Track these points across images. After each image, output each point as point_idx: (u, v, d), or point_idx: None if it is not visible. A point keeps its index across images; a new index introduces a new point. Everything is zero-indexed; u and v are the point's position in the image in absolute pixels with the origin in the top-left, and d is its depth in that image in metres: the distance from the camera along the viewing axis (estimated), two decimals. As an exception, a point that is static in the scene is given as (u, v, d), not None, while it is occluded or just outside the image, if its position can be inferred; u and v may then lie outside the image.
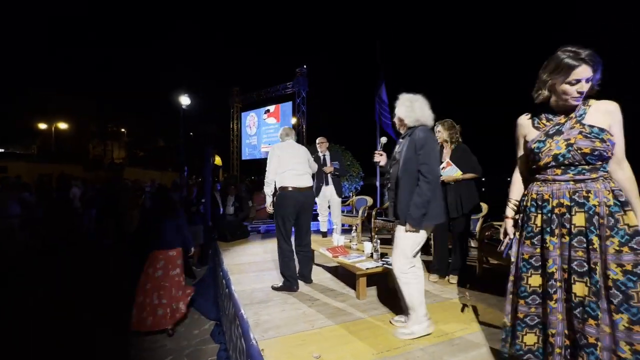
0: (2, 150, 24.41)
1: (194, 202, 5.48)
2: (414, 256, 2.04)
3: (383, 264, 2.68)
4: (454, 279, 3.00)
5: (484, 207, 3.39)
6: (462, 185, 2.90)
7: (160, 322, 2.99)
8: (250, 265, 3.71)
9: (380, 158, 2.25)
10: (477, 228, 3.36)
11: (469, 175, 2.91)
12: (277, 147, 3.02)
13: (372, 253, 2.97)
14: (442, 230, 2.99)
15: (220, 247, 4.64)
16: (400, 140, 2.17)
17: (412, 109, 2.04)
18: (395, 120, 2.19)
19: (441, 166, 2.81)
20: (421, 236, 1.98)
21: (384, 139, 2.36)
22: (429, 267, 3.17)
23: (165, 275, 3.09)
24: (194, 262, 5.45)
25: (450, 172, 2.89)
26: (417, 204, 1.90)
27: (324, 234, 4.83)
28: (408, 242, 1.98)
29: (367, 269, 2.63)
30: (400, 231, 2.00)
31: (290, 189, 2.89)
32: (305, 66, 13.30)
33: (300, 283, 2.95)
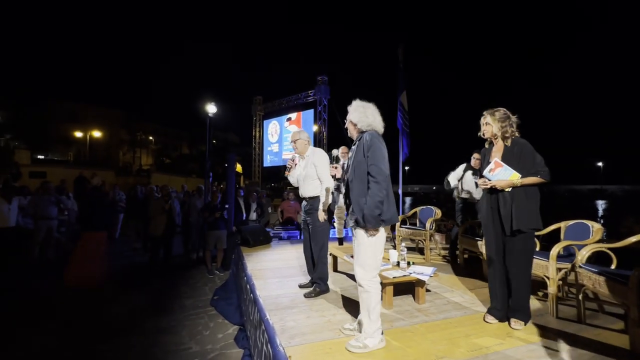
0: (42, 157, 26.11)
1: (217, 208, 5.60)
2: (377, 264, 2.00)
3: (411, 273, 2.60)
4: (517, 324, 2.18)
5: (597, 229, 2.63)
6: (519, 193, 2.17)
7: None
8: (274, 271, 3.71)
9: (336, 171, 2.32)
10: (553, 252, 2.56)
11: (530, 180, 2.15)
12: (325, 155, 3.03)
13: (398, 262, 2.90)
14: (496, 254, 2.30)
15: (243, 252, 4.68)
16: (353, 147, 2.16)
17: (365, 114, 2.06)
18: (348, 125, 2.18)
19: (488, 168, 2.25)
20: (381, 240, 1.97)
21: (334, 152, 2.47)
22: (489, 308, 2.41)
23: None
24: (217, 266, 5.54)
25: (502, 174, 2.19)
26: (369, 205, 1.88)
27: (340, 241, 4.77)
28: (368, 248, 1.95)
29: (393, 277, 2.56)
30: (359, 237, 1.97)
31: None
32: (326, 76, 13.42)
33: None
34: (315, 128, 13.58)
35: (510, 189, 2.20)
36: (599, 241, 2.48)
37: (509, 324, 2.22)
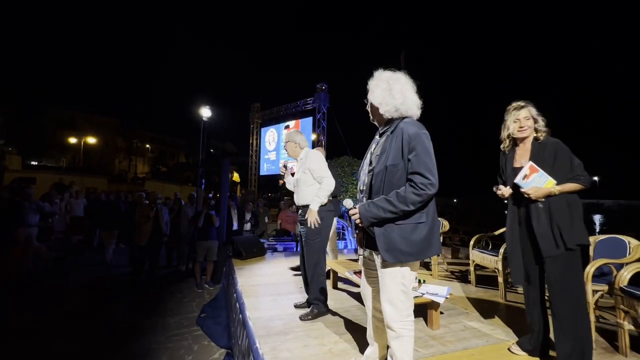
0: (36, 163, 25.64)
1: (210, 205, 5.31)
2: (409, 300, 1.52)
3: (423, 294, 2.27)
4: None
5: (636, 245, 2.26)
6: (557, 202, 1.77)
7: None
8: (267, 287, 3.35)
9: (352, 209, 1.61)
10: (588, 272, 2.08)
11: (570, 187, 1.76)
12: (319, 154, 2.70)
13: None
14: (530, 281, 1.89)
15: (235, 265, 4.32)
16: (377, 138, 1.65)
17: (390, 92, 1.50)
18: (368, 108, 1.64)
19: (522, 174, 1.80)
20: (411, 274, 1.50)
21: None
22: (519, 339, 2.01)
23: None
24: (207, 279, 5.16)
25: (538, 181, 1.78)
26: (385, 204, 1.39)
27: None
28: (396, 282, 1.47)
29: (403, 298, 2.23)
30: (385, 271, 1.48)
31: (328, 203, 2.61)
32: (325, 84, 13.28)
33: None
34: (313, 136, 13.34)
35: (543, 199, 1.78)
36: (639, 259, 2.16)
37: None
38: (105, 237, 6.50)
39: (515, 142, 1.98)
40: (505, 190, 1.93)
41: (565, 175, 1.77)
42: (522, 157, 1.93)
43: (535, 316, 1.89)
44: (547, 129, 1.88)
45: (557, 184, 1.75)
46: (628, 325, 1.95)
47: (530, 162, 1.81)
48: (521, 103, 1.92)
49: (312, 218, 2.43)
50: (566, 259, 1.71)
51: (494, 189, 2.01)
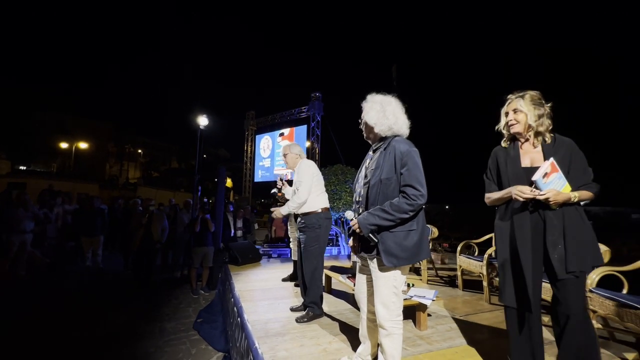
0: (24, 167, 25.25)
1: (206, 209, 5.41)
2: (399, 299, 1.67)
3: (412, 296, 2.43)
4: None
5: (605, 251, 2.13)
6: (572, 214, 1.53)
7: None
8: (263, 292, 3.47)
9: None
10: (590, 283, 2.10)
11: (586, 195, 1.53)
12: (313, 166, 2.84)
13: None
14: (532, 305, 1.55)
15: (231, 271, 4.42)
16: (370, 153, 1.83)
17: (384, 114, 1.69)
18: (362, 127, 1.83)
19: (542, 171, 1.49)
20: (402, 277, 1.66)
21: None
22: None
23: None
24: (202, 285, 5.23)
25: (556, 183, 1.50)
26: (381, 213, 1.56)
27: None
28: (390, 281, 1.63)
29: (393, 301, 2.38)
30: (379, 274, 1.64)
31: (326, 211, 2.77)
32: (320, 93, 13.54)
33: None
34: (308, 144, 13.53)
35: (557, 208, 1.52)
36: (607, 263, 2.36)
37: None
38: (86, 244, 6.05)
39: (515, 138, 1.72)
40: (530, 194, 1.50)
41: (577, 182, 1.54)
42: (531, 155, 1.64)
43: (521, 346, 1.62)
44: (549, 123, 1.62)
45: (573, 190, 1.53)
46: (597, 324, 2.14)
47: (552, 159, 1.52)
48: (514, 95, 1.69)
49: (276, 214, 2.81)
50: (577, 281, 1.50)
51: (515, 191, 1.55)
